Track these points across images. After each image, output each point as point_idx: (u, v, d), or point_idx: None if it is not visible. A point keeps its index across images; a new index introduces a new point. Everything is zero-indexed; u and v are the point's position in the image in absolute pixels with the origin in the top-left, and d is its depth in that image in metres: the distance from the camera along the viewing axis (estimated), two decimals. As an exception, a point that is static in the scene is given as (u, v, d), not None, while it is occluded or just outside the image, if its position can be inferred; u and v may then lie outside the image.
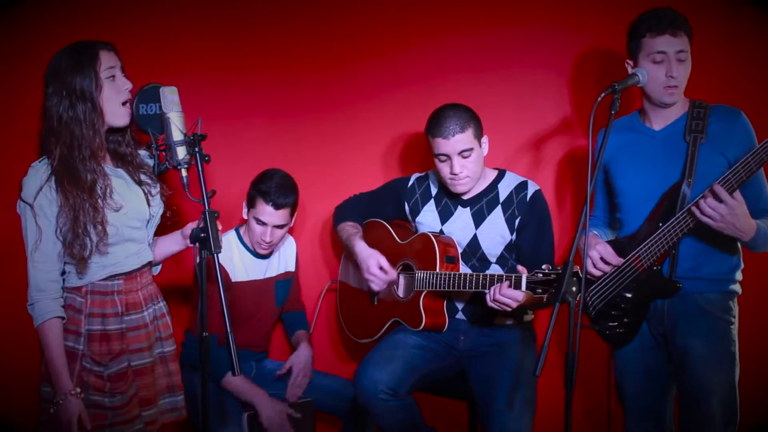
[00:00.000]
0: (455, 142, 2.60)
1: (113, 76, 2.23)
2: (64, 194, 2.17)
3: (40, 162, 2.22)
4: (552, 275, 2.28)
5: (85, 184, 2.19)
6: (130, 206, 2.27)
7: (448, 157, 2.63)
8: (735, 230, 2.27)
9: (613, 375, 2.65)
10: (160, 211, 2.39)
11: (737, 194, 2.26)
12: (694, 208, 2.31)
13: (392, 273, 2.79)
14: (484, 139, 2.70)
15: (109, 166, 2.29)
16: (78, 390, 2.20)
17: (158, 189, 2.38)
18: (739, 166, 2.27)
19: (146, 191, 2.34)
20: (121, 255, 2.28)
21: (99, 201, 2.20)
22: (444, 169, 2.67)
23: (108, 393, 2.24)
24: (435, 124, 2.63)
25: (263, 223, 2.85)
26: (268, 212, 2.83)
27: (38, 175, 2.18)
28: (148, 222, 2.35)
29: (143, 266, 2.35)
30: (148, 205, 2.33)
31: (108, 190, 2.23)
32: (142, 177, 2.34)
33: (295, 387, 2.93)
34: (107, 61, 2.22)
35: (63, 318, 2.23)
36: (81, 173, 2.19)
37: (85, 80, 2.18)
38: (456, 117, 2.61)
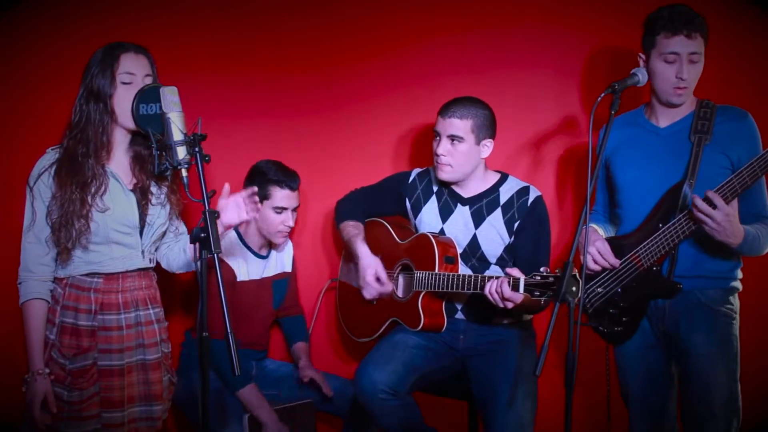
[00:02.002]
0: (449, 124, 2.66)
1: (131, 83, 2.26)
2: (59, 183, 2.24)
3: (52, 149, 2.30)
4: (550, 278, 2.28)
5: (81, 179, 2.24)
6: (118, 210, 2.29)
7: (439, 135, 2.69)
8: (725, 236, 2.27)
9: (613, 374, 2.65)
10: (159, 221, 2.38)
11: (732, 201, 2.25)
12: (692, 208, 2.31)
13: (388, 286, 2.80)
14: (487, 142, 2.70)
15: (110, 169, 2.31)
16: (47, 371, 2.24)
17: (160, 198, 2.38)
18: (743, 170, 2.26)
19: (145, 199, 2.34)
20: (105, 255, 2.30)
21: (88, 197, 2.24)
22: (434, 146, 2.73)
23: (67, 387, 2.26)
24: (444, 104, 2.72)
25: (284, 209, 2.92)
26: (286, 196, 2.91)
27: (45, 161, 2.28)
28: (142, 230, 2.35)
29: (129, 271, 2.35)
30: (143, 213, 2.34)
31: (101, 190, 2.27)
32: (152, 186, 2.37)
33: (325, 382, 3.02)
34: (127, 66, 2.26)
35: (47, 301, 2.28)
36: (80, 168, 2.25)
37: (102, 81, 2.25)
38: (463, 106, 2.67)
